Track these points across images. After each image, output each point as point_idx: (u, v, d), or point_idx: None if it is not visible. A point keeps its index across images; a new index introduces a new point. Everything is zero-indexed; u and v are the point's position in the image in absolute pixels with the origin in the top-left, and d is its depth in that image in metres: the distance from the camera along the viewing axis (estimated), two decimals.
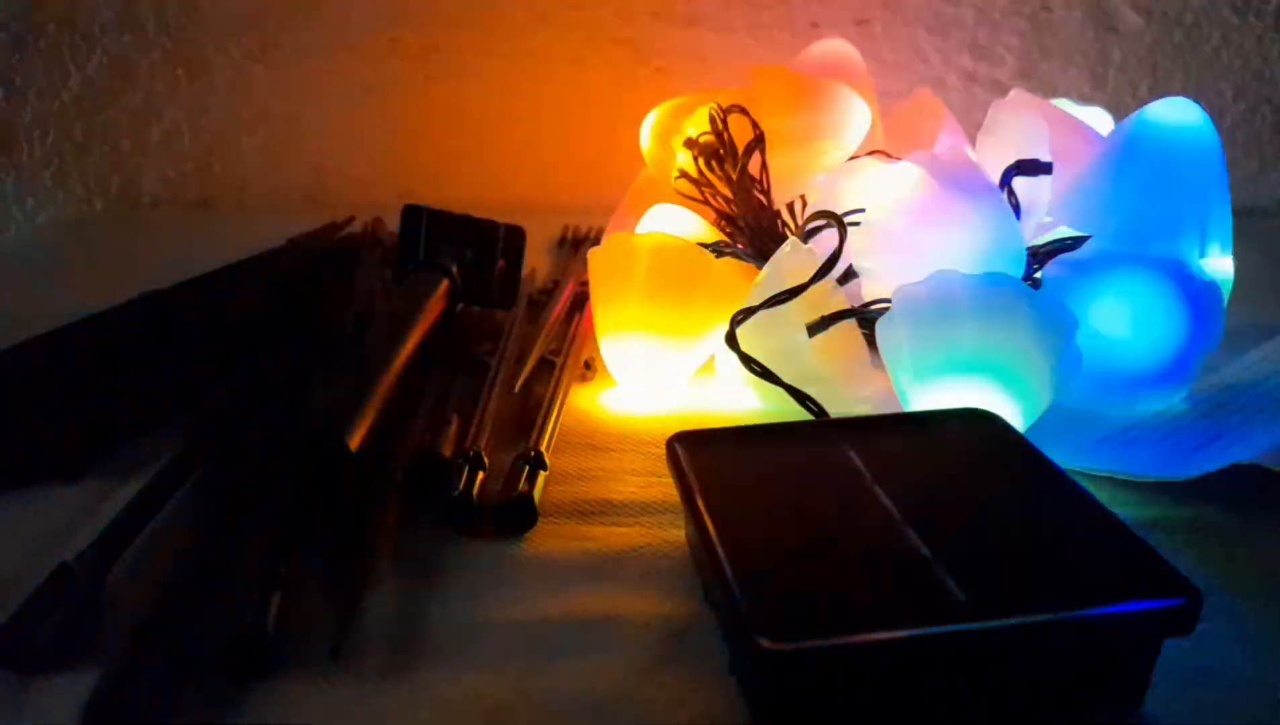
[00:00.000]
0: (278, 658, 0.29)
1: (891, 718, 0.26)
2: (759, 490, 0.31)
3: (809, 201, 0.51)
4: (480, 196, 0.81)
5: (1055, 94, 0.54)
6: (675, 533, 0.36)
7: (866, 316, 0.43)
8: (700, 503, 0.30)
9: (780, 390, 0.40)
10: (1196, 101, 0.44)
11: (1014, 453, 0.33)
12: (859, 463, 0.32)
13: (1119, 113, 0.49)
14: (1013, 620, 0.25)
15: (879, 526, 0.29)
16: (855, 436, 0.34)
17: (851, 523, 0.29)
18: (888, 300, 0.41)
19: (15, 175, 0.79)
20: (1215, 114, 0.44)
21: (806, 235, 0.43)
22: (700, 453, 0.33)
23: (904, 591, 0.26)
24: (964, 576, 0.26)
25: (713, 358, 0.46)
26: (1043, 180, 0.44)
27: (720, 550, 0.27)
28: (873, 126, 0.51)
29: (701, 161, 0.51)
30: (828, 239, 0.42)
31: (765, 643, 0.24)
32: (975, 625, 0.25)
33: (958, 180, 0.41)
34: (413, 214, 0.54)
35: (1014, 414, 0.37)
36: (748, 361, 0.41)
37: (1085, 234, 0.45)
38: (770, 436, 0.35)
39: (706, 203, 0.52)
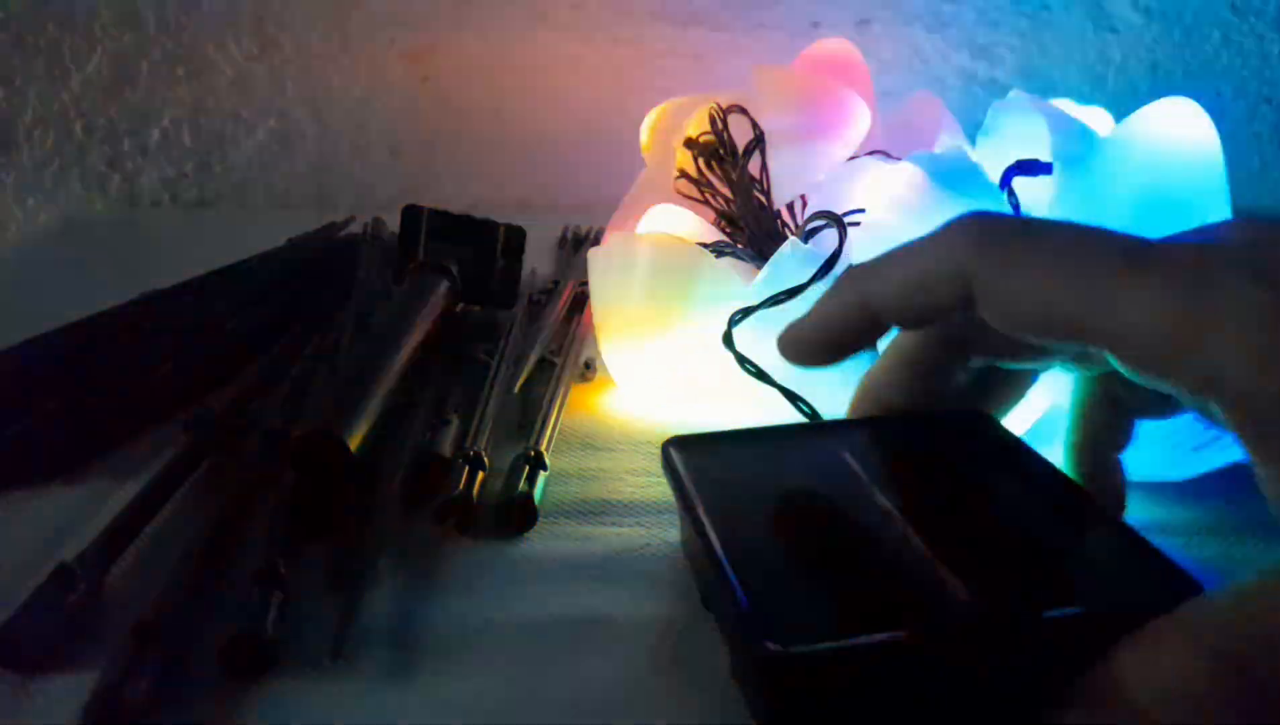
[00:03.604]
0: (278, 658, 0.29)
1: (892, 718, 0.26)
2: (757, 493, 0.31)
3: (809, 201, 0.51)
4: (480, 196, 0.82)
5: (1055, 94, 0.53)
6: (675, 533, 0.36)
7: None
8: (698, 507, 0.30)
9: (779, 391, 0.40)
10: (1196, 101, 0.44)
11: (1014, 453, 0.33)
12: (857, 464, 0.32)
13: (1119, 113, 0.49)
14: (1013, 620, 0.25)
15: (878, 528, 0.29)
16: (854, 437, 0.34)
17: (850, 524, 0.29)
18: None
19: (15, 175, 0.79)
20: (1215, 114, 0.44)
21: (806, 235, 0.43)
22: (695, 456, 0.33)
23: (905, 593, 0.26)
24: (964, 577, 0.26)
25: (712, 358, 0.46)
26: (1043, 180, 0.44)
27: (721, 554, 0.27)
28: (873, 126, 0.51)
29: (701, 161, 0.51)
30: (828, 239, 0.42)
31: (770, 646, 0.24)
32: (975, 625, 0.25)
33: (957, 180, 0.41)
34: (413, 214, 0.54)
35: (1013, 414, 0.37)
36: (743, 361, 0.41)
37: None
38: (767, 438, 0.35)
39: (706, 203, 0.52)
